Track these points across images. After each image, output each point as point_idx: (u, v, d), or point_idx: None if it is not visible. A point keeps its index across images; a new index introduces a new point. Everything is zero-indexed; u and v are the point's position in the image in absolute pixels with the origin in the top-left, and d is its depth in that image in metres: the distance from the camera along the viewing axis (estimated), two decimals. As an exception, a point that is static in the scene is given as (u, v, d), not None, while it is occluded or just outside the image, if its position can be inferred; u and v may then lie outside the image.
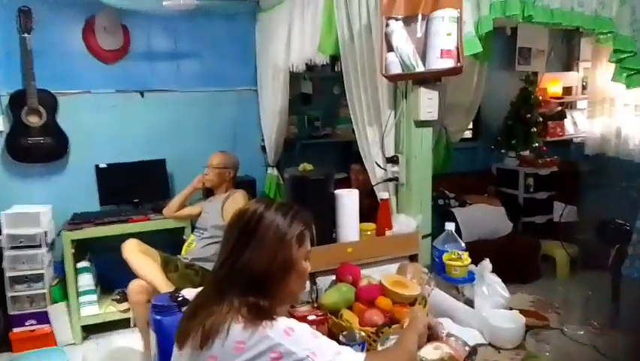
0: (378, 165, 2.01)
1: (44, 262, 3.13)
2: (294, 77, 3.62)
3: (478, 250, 1.80)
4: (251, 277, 1.08)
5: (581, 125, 4.95)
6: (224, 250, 1.13)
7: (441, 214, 4.01)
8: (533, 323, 1.61)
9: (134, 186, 3.54)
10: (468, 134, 4.80)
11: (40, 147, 3.32)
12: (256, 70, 3.81)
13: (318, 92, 4.11)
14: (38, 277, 3.11)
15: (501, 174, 4.66)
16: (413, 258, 1.89)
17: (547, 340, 1.41)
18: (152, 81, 3.62)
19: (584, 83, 4.97)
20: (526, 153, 4.49)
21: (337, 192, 1.79)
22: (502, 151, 4.59)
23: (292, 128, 4.01)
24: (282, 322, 1.03)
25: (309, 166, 1.88)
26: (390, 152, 1.99)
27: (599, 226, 3.38)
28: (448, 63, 1.68)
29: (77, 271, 3.25)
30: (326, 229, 1.77)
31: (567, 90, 4.94)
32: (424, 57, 1.74)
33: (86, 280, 3.29)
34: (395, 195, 2.03)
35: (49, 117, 3.32)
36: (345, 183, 2.99)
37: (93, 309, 3.30)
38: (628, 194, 3.71)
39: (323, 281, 1.75)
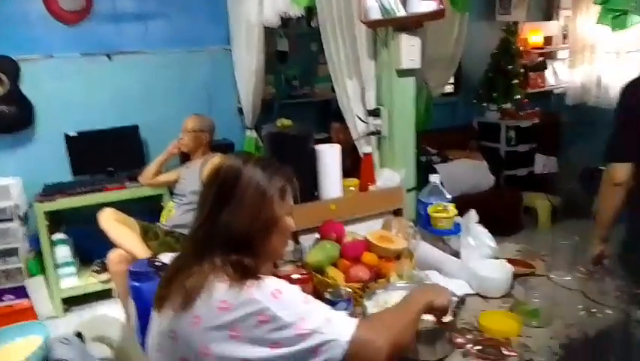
0: (360, 119, 1.94)
1: (18, 236, 3.03)
2: (270, 35, 3.48)
3: (461, 205, 1.76)
4: (232, 237, 1.01)
5: (562, 75, 4.92)
6: (202, 211, 1.05)
7: (424, 171, 3.99)
8: (520, 271, 1.59)
9: (107, 154, 3.41)
10: (449, 88, 4.72)
11: (5, 116, 3.16)
12: (229, 28, 3.64)
13: (295, 49, 3.96)
14: (12, 252, 3.02)
15: (482, 128, 4.62)
16: (398, 213, 1.84)
17: (535, 287, 1.38)
18: (119, 43, 3.44)
19: (565, 32, 4.90)
20: (508, 105, 4.44)
21: (318, 147, 1.71)
22: (484, 105, 4.54)
23: (269, 89, 3.89)
24: (270, 283, 0.97)
25: (287, 122, 1.79)
26: (371, 105, 1.91)
27: (581, 175, 3.40)
28: (431, 6, 1.59)
29: (53, 244, 3.16)
30: (308, 187, 1.70)
31: (548, 40, 4.87)
32: (404, 1, 1.64)
33: (63, 252, 3.20)
34: (378, 149, 1.97)
35: (12, 85, 3.15)
36: (326, 143, 2.91)
37: (72, 281, 3.23)
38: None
39: (307, 240, 1.70)
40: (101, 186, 3.22)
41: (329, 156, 1.70)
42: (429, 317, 1.20)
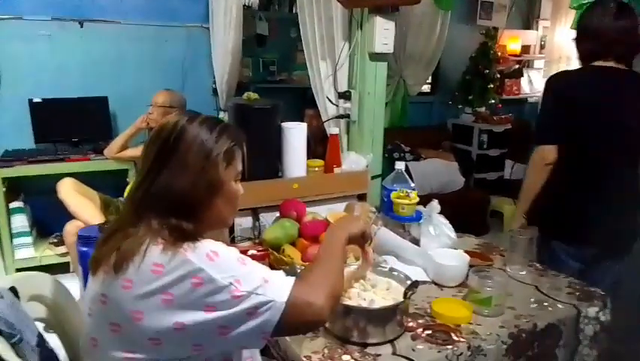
0: (330, 101, 1.91)
1: (-27, 201, 2.91)
2: (250, 17, 3.42)
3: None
4: (171, 199, 0.95)
5: (537, 84, 5.00)
6: (142, 170, 0.99)
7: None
8: (477, 262, 1.59)
9: (72, 124, 3.30)
10: (426, 88, 4.75)
11: (-34, 76, 3.02)
12: (208, 5, 3.57)
13: (275, 34, 3.92)
14: (-35, 217, 2.90)
15: (456, 130, 4.66)
16: (362, 198, 1.82)
17: (489, 277, 1.38)
18: (92, 10, 3.33)
19: (543, 42, 4.99)
20: (482, 109, 4.50)
21: (284, 124, 1.68)
22: (459, 106, 4.59)
23: (246, 72, 3.83)
24: (206, 245, 0.92)
25: (253, 95, 1.75)
26: (342, 87, 1.88)
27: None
28: (407, -11, 1.57)
29: (10, 212, 3.05)
30: (271, 164, 1.67)
31: (525, 49, 4.95)
32: (381, -17, 1.62)
33: (20, 222, 3.09)
34: (347, 133, 1.95)
35: (-25, 44, 3.02)
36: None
37: (28, 252, 3.12)
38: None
39: (267, 218, 1.67)
40: (64, 156, 3.11)
41: (295, 134, 1.67)
42: (373, 296, 1.20)
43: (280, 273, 0.98)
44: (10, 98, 3.19)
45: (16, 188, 3.11)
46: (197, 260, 0.88)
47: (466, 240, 1.89)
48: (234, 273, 0.90)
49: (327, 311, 0.93)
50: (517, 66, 4.83)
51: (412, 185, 1.75)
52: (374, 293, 1.25)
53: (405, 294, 1.22)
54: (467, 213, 4.09)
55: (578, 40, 1.86)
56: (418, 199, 1.66)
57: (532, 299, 1.42)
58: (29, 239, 3.13)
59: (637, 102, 1.79)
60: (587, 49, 1.82)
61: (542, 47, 4.99)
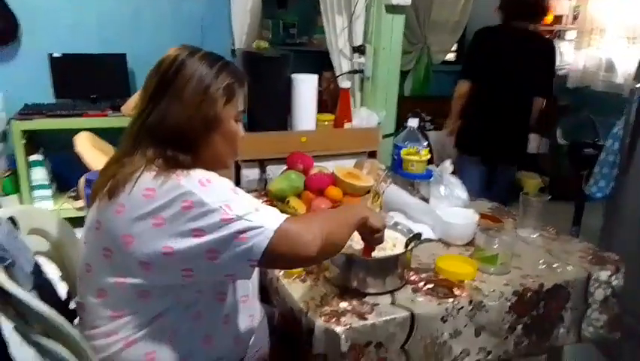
0: (344, 56, 1.85)
1: (-6, 152, 2.97)
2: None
3: None
4: (167, 130, 0.94)
5: (567, 56, 4.80)
6: (141, 101, 0.99)
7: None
8: (487, 224, 1.55)
9: (91, 80, 3.31)
10: (452, 56, 4.61)
11: (-13, 28, 3.04)
12: (228, -37, 3.49)
13: (296, -5, 3.83)
14: (-13, 167, 2.96)
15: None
16: (372, 156, 1.78)
17: (497, 236, 1.34)
18: (112, -35, 3.30)
19: (576, 13, 4.76)
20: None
21: (294, 75, 1.63)
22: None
23: (266, 34, 3.77)
24: (199, 172, 0.92)
25: (263, 43, 1.70)
26: (357, 41, 1.82)
27: (570, 150, 3.34)
28: None
29: (30, 165, 3.10)
30: (279, 115, 1.63)
31: (557, 19, 4.73)
32: None
33: (40, 175, 3.15)
34: (360, 90, 1.90)
35: (-3, -4, 3.02)
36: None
37: (47, 204, 3.19)
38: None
39: (274, 170, 1.65)
40: (82, 112, 3.13)
41: (305, 86, 1.62)
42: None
43: (274, 208, 0.96)
44: (31, 51, 3.21)
45: (35, 142, 3.16)
46: (188, 184, 0.88)
47: (479, 203, 1.83)
48: (225, 198, 0.89)
49: (316, 248, 0.91)
50: (547, 37, 4.62)
51: (425, 143, 1.70)
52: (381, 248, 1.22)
53: (406, 245, 1.19)
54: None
55: (500, 4, 2.56)
56: (429, 156, 1.61)
57: (540, 261, 1.38)
58: (49, 192, 3.19)
59: (530, 56, 2.48)
60: (505, 11, 2.51)
61: (575, 17, 4.76)
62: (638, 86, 1.92)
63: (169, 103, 0.95)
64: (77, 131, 2.76)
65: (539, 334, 1.28)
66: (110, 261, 0.93)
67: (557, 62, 4.79)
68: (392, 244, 1.24)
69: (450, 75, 4.62)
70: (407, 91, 4.37)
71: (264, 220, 0.88)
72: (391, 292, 1.18)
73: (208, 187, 0.88)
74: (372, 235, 1.11)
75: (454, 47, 4.49)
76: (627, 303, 1.44)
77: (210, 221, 0.86)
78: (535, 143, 4.48)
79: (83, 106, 3.23)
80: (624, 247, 2.01)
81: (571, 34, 4.82)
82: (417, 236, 1.22)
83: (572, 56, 4.70)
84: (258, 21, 3.36)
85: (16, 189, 3.11)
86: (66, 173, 3.31)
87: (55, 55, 3.20)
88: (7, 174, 3.08)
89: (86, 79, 3.29)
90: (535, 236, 1.54)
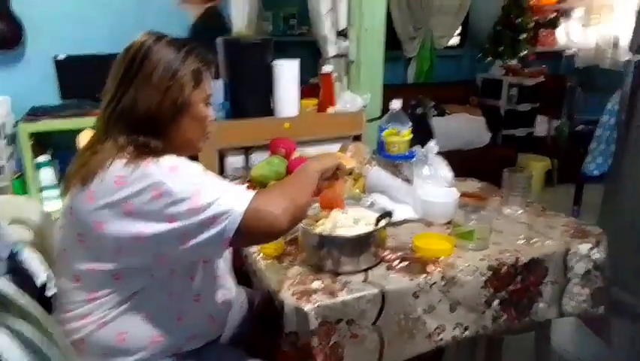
0: (327, 39, 1.86)
1: (3, 155, 3.05)
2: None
3: (453, 160, 1.71)
4: (137, 116, 0.97)
5: (575, 35, 4.70)
6: (109, 89, 1.02)
7: (418, 122, 3.90)
8: (471, 202, 1.54)
9: (97, 80, 3.31)
10: (455, 41, 4.56)
11: (-7, 33, 3.13)
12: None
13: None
14: (-2, 170, 3.05)
15: (485, 85, 4.49)
16: (358, 139, 1.79)
17: (476, 212, 1.34)
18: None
19: (583, -10, 4.65)
20: (514, 62, 4.28)
21: (276, 61, 1.65)
22: (489, 59, 4.38)
23: (266, 25, 3.78)
24: (169, 159, 0.94)
25: (244, 32, 1.72)
26: (341, 25, 1.82)
27: (571, 129, 3.30)
28: None
29: (38, 166, 3.18)
30: (262, 102, 1.65)
31: (563, -3, 4.64)
32: None
33: (48, 175, 3.23)
34: (346, 74, 1.90)
35: (1, 1, 3.10)
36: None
37: (56, 204, 3.27)
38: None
39: (259, 157, 1.67)
40: (87, 111, 3.20)
41: (287, 71, 1.64)
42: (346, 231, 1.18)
43: (242, 186, 0.98)
44: (37, 55, 3.29)
45: (43, 143, 3.24)
46: (158, 172, 0.90)
47: (468, 183, 1.83)
48: (194, 185, 0.91)
49: (284, 221, 0.94)
50: (553, 15, 4.54)
51: (409, 124, 1.70)
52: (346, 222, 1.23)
53: (377, 222, 1.20)
54: (491, 170, 3.95)
55: None
56: (410, 136, 1.61)
57: (521, 236, 1.37)
58: (56, 192, 3.27)
59: None
60: None
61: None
62: (629, 58, 1.88)
63: (138, 89, 0.97)
64: (84, 130, 2.83)
65: (518, 309, 1.28)
66: (83, 246, 0.97)
67: (564, 42, 4.75)
68: (365, 224, 1.25)
69: (454, 60, 4.59)
70: (411, 78, 4.35)
71: (233, 203, 0.91)
72: (365, 270, 1.19)
73: (177, 173, 0.91)
74: (334, 174, 1.16)
75: (458, 31, 4.44)
76: (619, 274, 1.43)
77: (181, 209, 0.89)
78: (543, 125, 4.41)
79: (88, 106, 3.30)
80: (623, 221, 1.99)
81: (578, 12, 4.71)
82: (387, 214, 1.22)
83: (579, 35, 4.60)
84: (256, 11, 3.36)
85: (26, 191, 3.19)
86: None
87: (60, 57, 3.27)
88: (16, 176, 3.17)
89: (90, 79, 3.32)
90: (519, 213, 1.53)
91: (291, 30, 3.90)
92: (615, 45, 4.34)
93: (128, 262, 0.95)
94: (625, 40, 4.19)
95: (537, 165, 4.00)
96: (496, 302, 1.25)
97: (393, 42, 3.82)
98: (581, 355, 1.93)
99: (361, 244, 1.18)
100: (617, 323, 1.57)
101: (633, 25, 2.06)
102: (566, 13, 4.71)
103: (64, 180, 1.04)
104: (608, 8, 4.36)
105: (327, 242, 1.18)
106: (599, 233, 1.38)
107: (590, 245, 1.33)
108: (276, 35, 3.81)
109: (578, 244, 1.33)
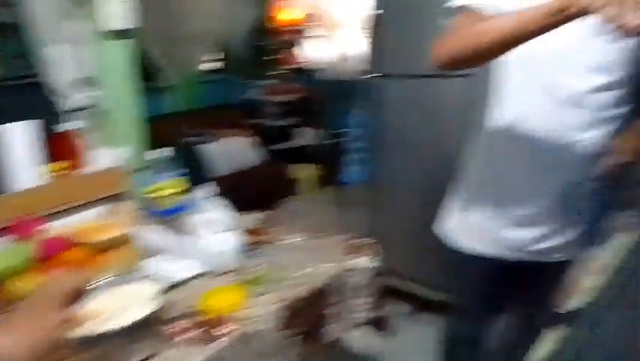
0: (62, 93, 1.62)
1: None
2: None
3: (229, 183, 1.69)
4: None
5: (312, 52, 5.16)
6: None
7: (187, 153, 3.79)
8: (253, 239, 1.53)
9: None
10: (217, 65, 4.60)
11: None
12: None
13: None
14: None
15: (250, 105, 4.63)
16: (122, 198, 1.60)
17: (260, 254, 1.33)
18: None
19: (318, 11, 5.16)
20: (270, 82, 4.52)
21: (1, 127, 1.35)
22: (249, 81, 4.54)
23: None
24: None
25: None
26: (85, 73, 1.60)
27: (331, 140, 3.67)
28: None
29: None
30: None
31: (303, 18, 5.07)
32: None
33: None
34: (96, 128, 1.68)
35: None
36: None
37: None
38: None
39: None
40: None
41: (17, 137, 1.36)
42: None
43: None
44: None
45: None
46: None
47: (249, 218, 1.82)
48: None
49: None
50: (294, 36, 4.92)
51: (179, 172, 1.59)
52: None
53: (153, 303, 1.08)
54: (267, 185, 4.11)
55: None
56: (182, 187, 1.51)
57: (308, 264, 1.41)
58: None
59: None
60: None
61: (318, 15, 5.16)
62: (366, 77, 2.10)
63: None
64: None
65: (317, 337, 1.31)
66: None
67: (309, 58, 5.21)
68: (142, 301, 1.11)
69: (219, 85, 4.62)
70: (176, 107, 4.21)
71: None
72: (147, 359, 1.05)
73: None
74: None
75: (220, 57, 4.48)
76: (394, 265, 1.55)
77: None
78: (309, 137, 4.77)
79: None
80: (388, 220, 2.24)
81: (317, 31, 5.21)
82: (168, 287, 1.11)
83: (317, 52, 5.08)
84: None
85: None
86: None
87: None
88: None
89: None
90: (299, 240, 1.58)
91: (26, 71, 3.34)
92: (348, 59, 4.92)
93: None
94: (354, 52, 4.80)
95: (307, 174, 4.30)
96: (298, 339, 1.25)
97: (147, 74, 3.63)
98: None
99: (139, 330, 1.04)
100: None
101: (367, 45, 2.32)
102: (305, 33, 5.17)
103: None
104: (335, 27, 4.93)
105: (93, 342, 1.00)
106: (371, 243, 1.51)
107: (365, 257, 1.44)
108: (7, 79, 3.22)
109: (355, 258, 1.43)
